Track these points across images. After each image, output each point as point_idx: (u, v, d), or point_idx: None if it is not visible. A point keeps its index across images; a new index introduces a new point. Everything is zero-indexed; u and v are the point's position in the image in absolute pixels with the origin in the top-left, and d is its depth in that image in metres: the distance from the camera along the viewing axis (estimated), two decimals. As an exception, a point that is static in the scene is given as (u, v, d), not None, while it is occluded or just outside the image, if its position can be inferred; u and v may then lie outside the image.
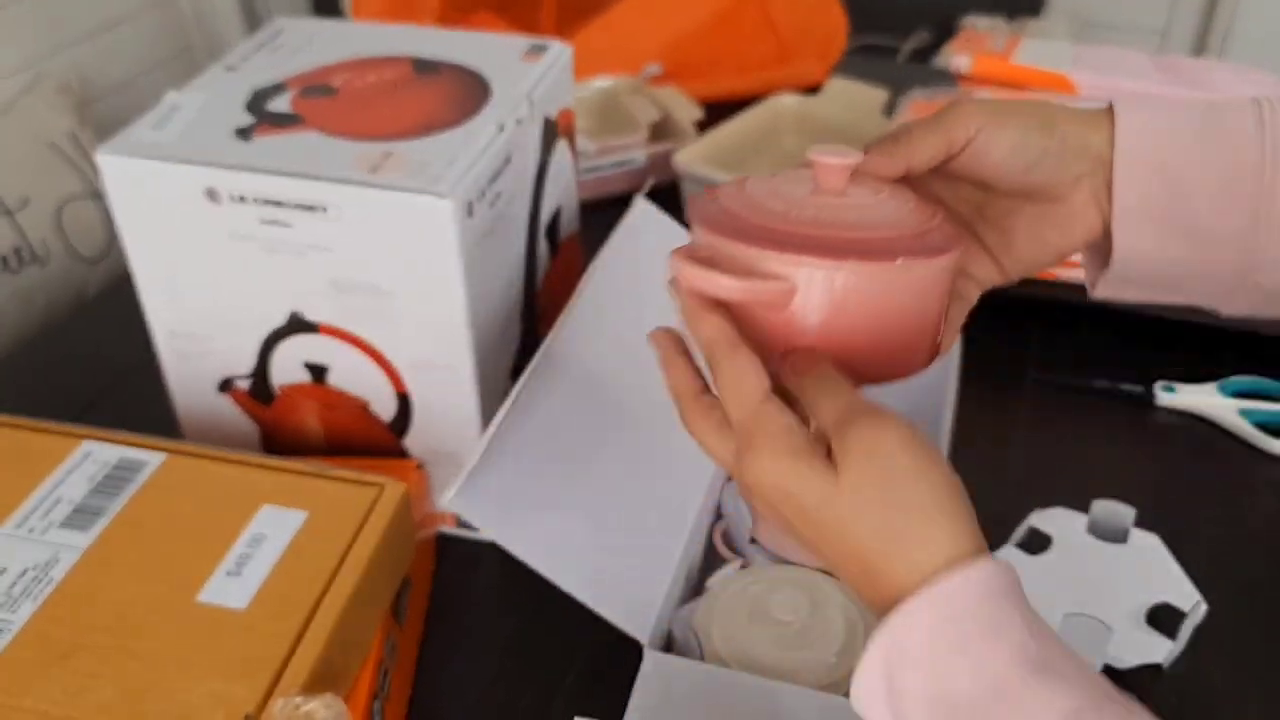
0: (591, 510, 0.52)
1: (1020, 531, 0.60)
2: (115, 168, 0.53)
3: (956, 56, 0.96)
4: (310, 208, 0.51)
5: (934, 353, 0.40)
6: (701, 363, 0.38)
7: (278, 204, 0.51)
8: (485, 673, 0.55)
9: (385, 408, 0.58)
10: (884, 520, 0.32)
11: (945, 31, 1.71)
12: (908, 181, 0.40)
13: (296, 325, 0.56)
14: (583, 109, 0.96)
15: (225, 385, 0.60)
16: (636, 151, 0.92)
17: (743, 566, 0.55)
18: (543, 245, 0.64)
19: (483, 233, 0.53)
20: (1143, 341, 0.75)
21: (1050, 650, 0.30)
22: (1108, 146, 0.38)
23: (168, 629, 0.44)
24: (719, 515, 0.59)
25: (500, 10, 1.18)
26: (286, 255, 0.53)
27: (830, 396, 0.35)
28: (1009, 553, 0.59)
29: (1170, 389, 0.71)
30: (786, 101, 1.00)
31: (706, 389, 0.38)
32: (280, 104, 0.57)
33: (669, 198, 0.87)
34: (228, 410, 0.61)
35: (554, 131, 0.63)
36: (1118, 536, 0.59)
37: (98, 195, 1.23)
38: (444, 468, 0.60)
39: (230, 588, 0.46)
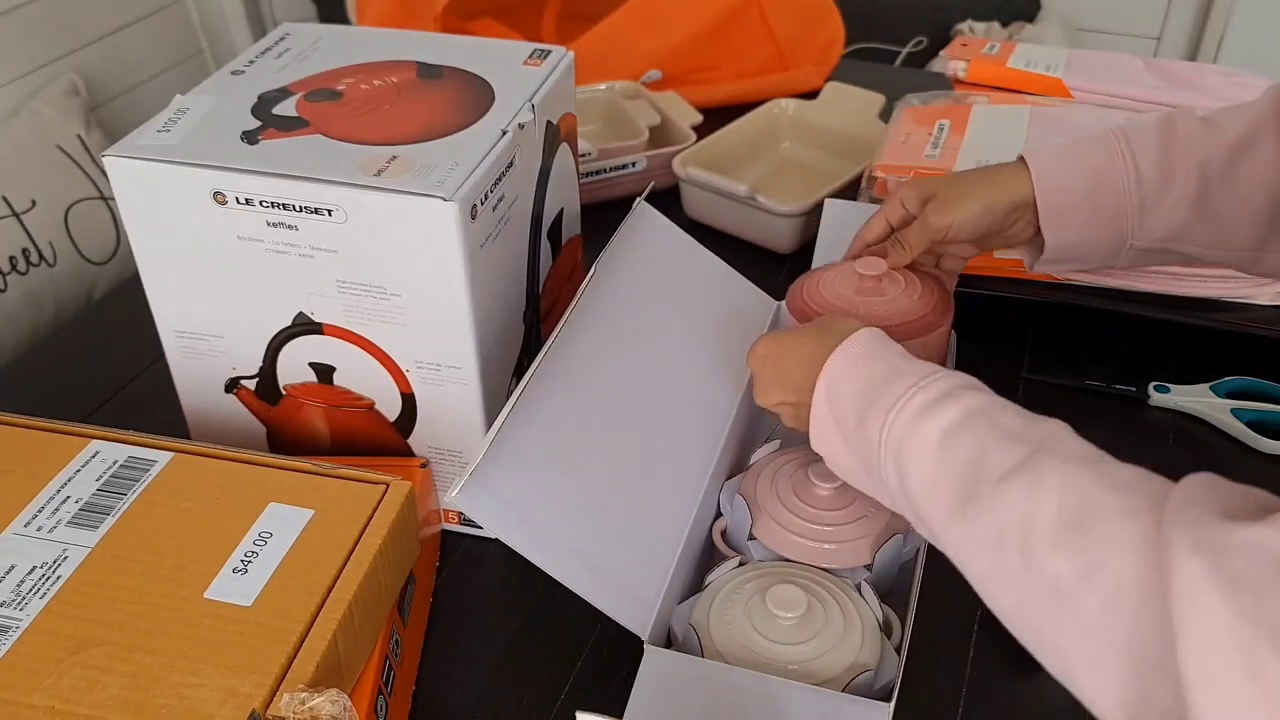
0: (593, 508, 0.52)
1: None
2: (123, 170, 0.54)
3: (952, 61, 0.97)
4: (316, 210, 0.52)
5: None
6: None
7: (284, 206, 0.52)
8: (488, 668, 0.56)
9: (390, 407, 0.59)
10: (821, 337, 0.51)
11: (941, 37, 1.72)
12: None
13: (303, 326, 0.57)
14: (584, 114, 0.97)
15: (232, 385, 0.61)
16: (637, 155, 0.92)
17: (742, 563, 0.56)
18: (545, 247, 0.65)
19: (486, 235, 0.54)
20: (1136, 341, 0.75)
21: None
22: (1030, 191, 0.59)
23: (175, 626, 0.45)
24: (718, 513, 0.60)
25: (502, 16, 1.18)
26: (293, 257, 0.54)
27: None
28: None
29: (1163, 388, 0.71)
30: (784, 106, 1.01)
31: None
32: (286, 108, 0.57)
33: (669, 201, 0.88)
34: (235, 410, 0.62)
35: (556, 136, 0.64)
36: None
37: (105, 197, 1.24)
38: (448, 466, 0.60)
39: (237, 585, 0.47)
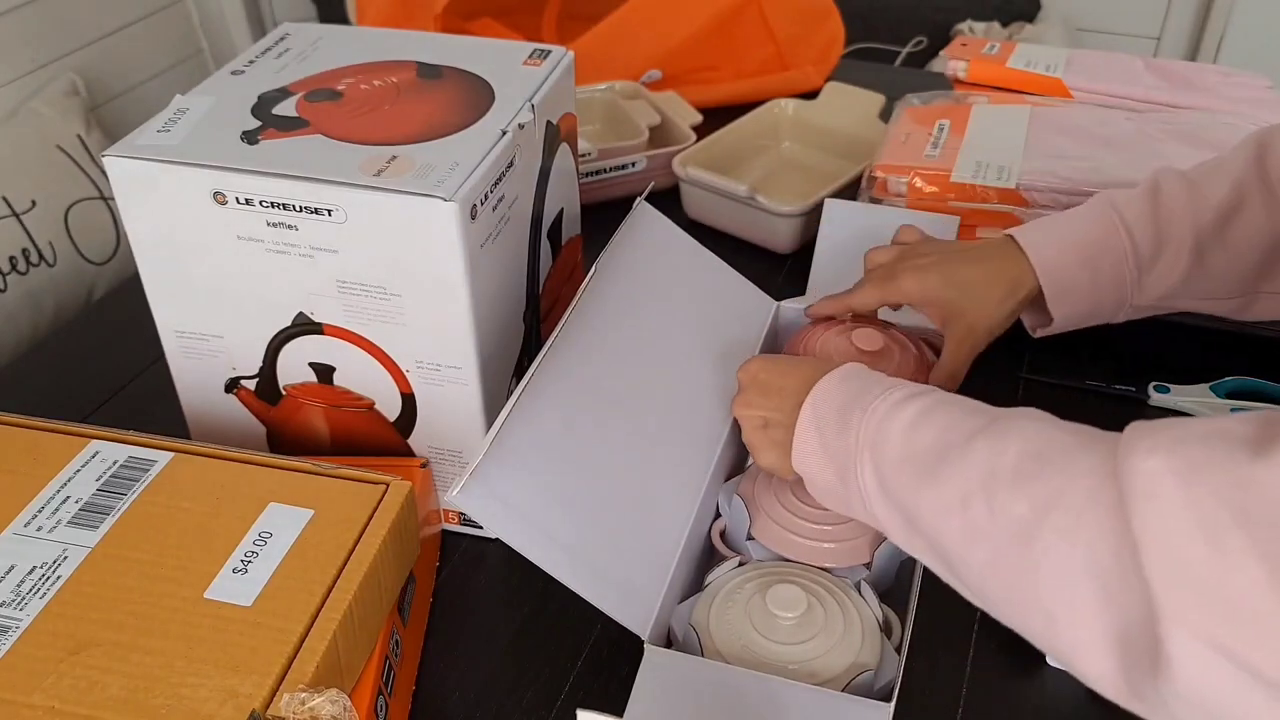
0: (593, 507, 0.52)
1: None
2: (123, 170, 0.54)
3: (952, 61, 0.97)
4: (316, 210, 0.52)
5: None
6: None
7: (284, 206, 0.52)
8: (488, 667, 0.56)
9: (390, 407, 0.59)
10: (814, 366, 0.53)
11: (941, 37, 1.72)
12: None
13: (303, 326, 0.57)
14: (584, 114, 0.97)
15: (232, 385, 0.61)
16: (637, 155, 0.93)
17: (741, 563, 0.56)
18: (545, 247, 0.65)
19: (486, 235, 0.54)
20: (1136, 341, 0.75)
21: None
22: (1032, 277, 0.60)
23: (175, 626, 0.45)
24: (718, 513, 0.60)
25: (502, 16, 1.18)
26: (293, 257, 0.54)
27: None
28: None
29: (1163, 389, 0.71)
30: (784, 106, 1.01)
31: None
32: (286, 108, 0.57)
33: (669, 201, 0.88)
34: (235, 410, 0.62)
35: (556, 136, 0.64)
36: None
37: (105, 197, 1.24)
38: (448, 466, 0.60)
39: (237, 585, 0.47)
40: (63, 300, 1.19)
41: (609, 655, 0.56)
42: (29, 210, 1.16)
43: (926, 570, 0.53)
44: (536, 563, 0.48)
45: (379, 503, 0.51)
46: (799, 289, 0.73)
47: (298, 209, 0.52)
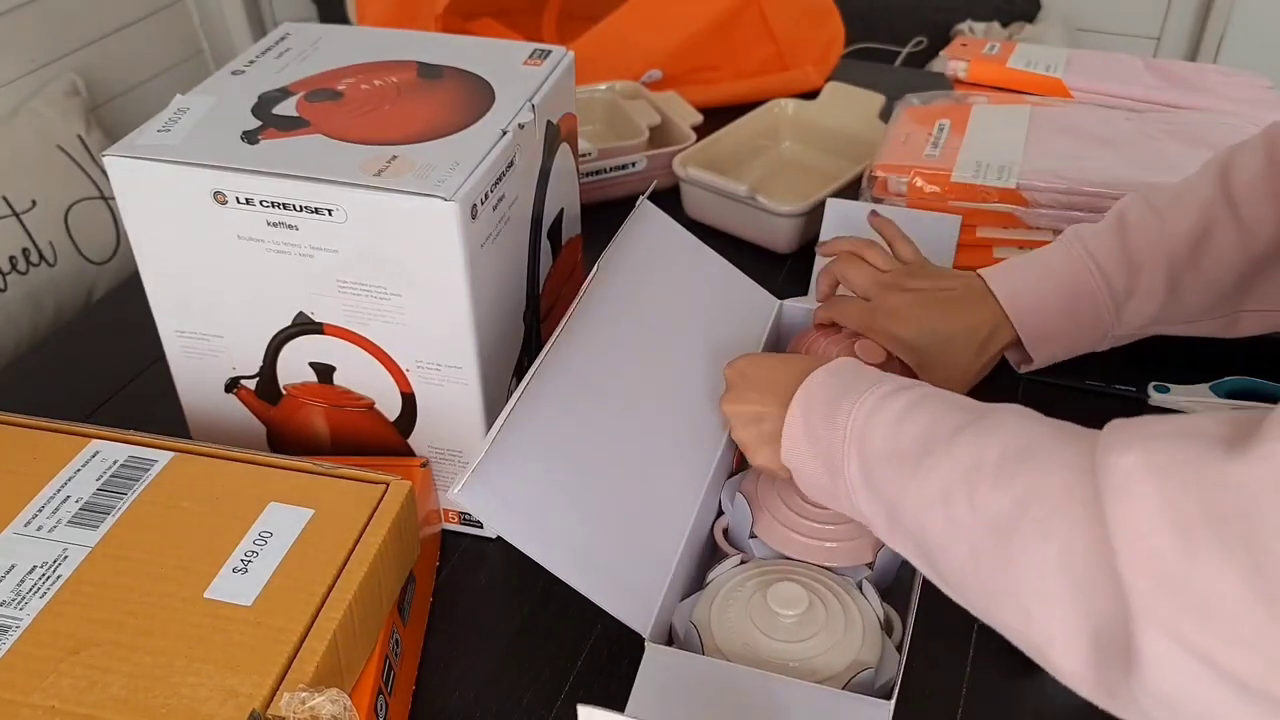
0: (594, 506, 0.52)
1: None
2: (123, 170, 0.54)
3: (952, 61, 0.97)
4: (316, 210, 0.52)
5: None
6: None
7: (284, 206, 0.52)
8: (488, 667, 0.56)
9: (391, 407, 0.59)
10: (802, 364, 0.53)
11: (941, 37, 1.72)
12: None
13: (303, 326, 0.57)
14: (584, 114, 0.97)
15: (232, 385, 0.61)
16: (637, 155, 0.93)
17: (743, 561, 0.56)
18: (545, 247, 0.65)
19: (486, 235, 0.54)
20: (1136, 342, 0.75)
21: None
22: (1007, 324, 0.61)
23: (175, 625, 0.45)
24: (720, 511, 0.60)
25: (502, 16, 1.18)
26: (293, 257, 0.54)
27: None
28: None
29: (1163, 388, 0.71)
30: (784, 106, 1.01)
31: None
32: (286, 108, 0.57)
33: (669, 200, 0.88)
34: (235, 410, 0.62)
35: (556, 136, 0.64)
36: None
37: (105, 197, 1.24)
38: (449, 466, 0.60)
39: (237, 584, 0.47)
40: (63, 300, 1.19)
41: (609, 654, 0.56)
42: (29, 210, 1.16)
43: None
44: (537, 560, 0.48)
45: (379, 502, 0.51)
46: (799, 289, 0.73)
47: (298, 209, 0.52)
